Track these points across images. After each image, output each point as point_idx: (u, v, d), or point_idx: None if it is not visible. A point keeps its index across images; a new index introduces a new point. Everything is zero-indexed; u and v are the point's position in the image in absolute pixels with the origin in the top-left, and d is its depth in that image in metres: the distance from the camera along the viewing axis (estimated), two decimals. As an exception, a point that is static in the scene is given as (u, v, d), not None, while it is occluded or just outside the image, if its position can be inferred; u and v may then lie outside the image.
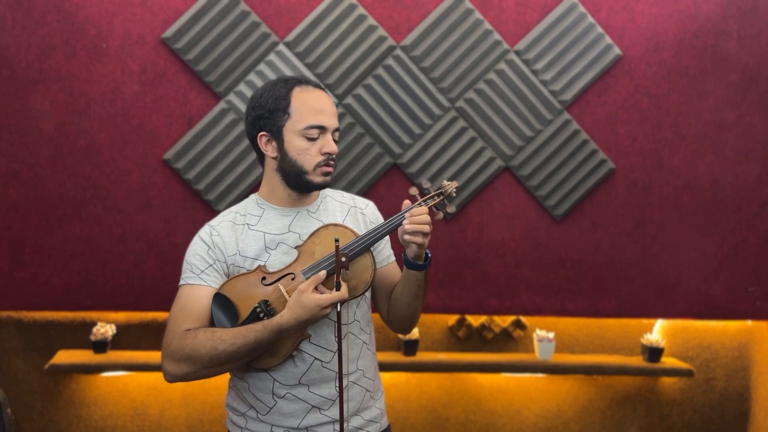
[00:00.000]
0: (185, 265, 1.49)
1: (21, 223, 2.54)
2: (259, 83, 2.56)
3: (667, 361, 2.82)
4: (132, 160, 2.56)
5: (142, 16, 2.51)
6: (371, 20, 2.59)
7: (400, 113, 2.63)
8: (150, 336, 2.76)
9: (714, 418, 2.95)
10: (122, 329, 2.74)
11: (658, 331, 2.90)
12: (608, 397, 2.92)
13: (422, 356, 2.75)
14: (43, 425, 2.75)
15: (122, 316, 2.74)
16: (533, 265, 2.72)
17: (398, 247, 1.53)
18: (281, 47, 2.57)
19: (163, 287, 2.60)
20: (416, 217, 1.39)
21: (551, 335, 2.77)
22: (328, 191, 1.61)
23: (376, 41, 2.59)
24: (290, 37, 2.57)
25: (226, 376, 1.57)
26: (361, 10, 2.58)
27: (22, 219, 2.54)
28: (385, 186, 2.66)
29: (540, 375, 2.86)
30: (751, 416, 2.95)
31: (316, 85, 1.50)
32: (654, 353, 2.77)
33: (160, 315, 2.75)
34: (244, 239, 1.48)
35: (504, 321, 2.87)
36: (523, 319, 2.86)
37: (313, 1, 2.57)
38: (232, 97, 2.56)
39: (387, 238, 1.60)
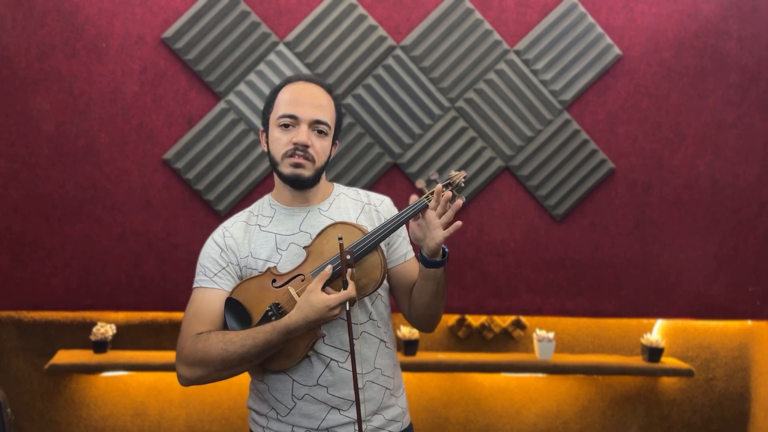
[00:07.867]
0: (199, 268, 1.48)
1: (21, 223, 2.54)
2: (259, 83, 2.56)
3: (667, 361, 2.82)
4: (132, 160, 2.56)
5: (142, 16, 2.51)
6: (371, 20, 2.59)
7: (400, 113, 2.63)
8: (150, 336, 2.76)
9: (714, 418, 2.95)
10: (122, 329, 2.74)
11: (658, 331, 2.90)
12: (608, 397, 2.92)
13: (422, 356, 2.76)
14: (43, 425, 2.75)
15: (122, 316, 2.74)
16: (533, 265, 2.72)
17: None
18: (281, 47, 2.57)
19: (163, 287, 2.60)
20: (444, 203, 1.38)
21: (551, 335, 2.77)
22: (342, 188, 1.58)
23: (376, 41, 2.59)
24: (290, 37, 2.57)
25: (242, 378, 1.56)
26: (361, 10, 2.58)
27: (22, 219, 2.54)
28: (385, 186, 2.66)
29: (540, 375, 2.86)
30: (751, 416, 2.95)
31: (310, 80, 1.49)
32: (654, 353, 2.77)
33: (160, 315, 2.75)
34: (255, 240, 1.47)
35: (504, 321, 2.87)
36: (523, 319, 2.86)
37: (313, 1, 2.57)
38: (232, 97, 2.56)
39: (405, 234, 1.56)
